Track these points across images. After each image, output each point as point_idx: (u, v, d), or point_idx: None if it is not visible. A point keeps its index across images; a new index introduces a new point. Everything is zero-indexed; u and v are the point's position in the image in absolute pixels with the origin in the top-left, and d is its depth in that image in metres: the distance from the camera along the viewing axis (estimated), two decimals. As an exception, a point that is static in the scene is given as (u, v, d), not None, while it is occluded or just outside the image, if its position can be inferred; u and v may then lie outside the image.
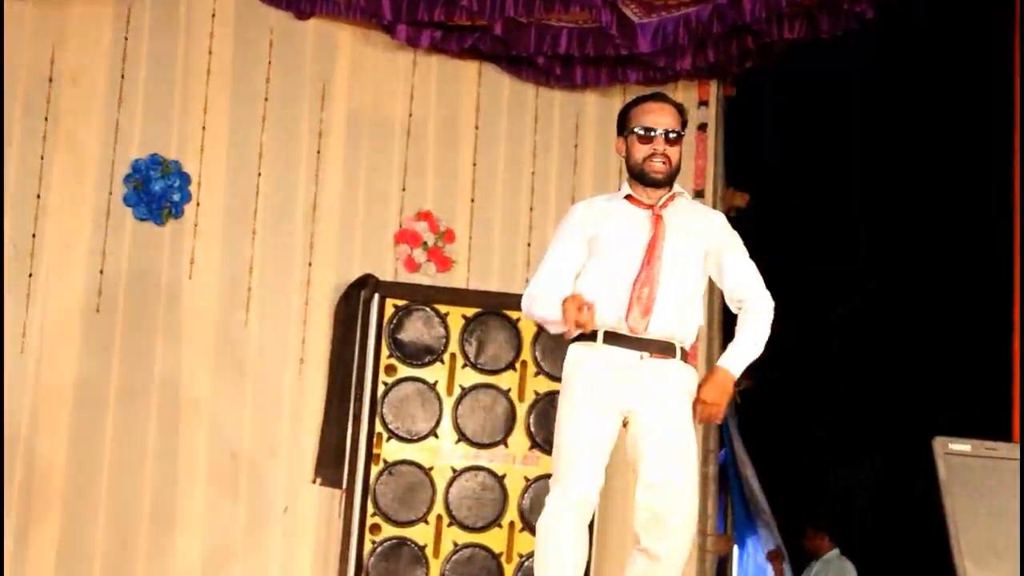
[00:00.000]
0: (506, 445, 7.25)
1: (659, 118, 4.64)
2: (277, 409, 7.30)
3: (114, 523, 6.93)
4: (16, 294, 6.92)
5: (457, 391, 7.26)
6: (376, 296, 7.21)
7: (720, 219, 4.84)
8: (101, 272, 7.08)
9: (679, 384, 4.61)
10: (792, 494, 8.87)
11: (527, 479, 7.24)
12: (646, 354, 4.55)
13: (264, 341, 7.33)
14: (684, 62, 7.92)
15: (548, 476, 7.05)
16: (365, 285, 7.30)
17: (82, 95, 7.18)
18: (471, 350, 7.28)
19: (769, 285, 4.90)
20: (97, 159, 7.17)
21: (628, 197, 4.68)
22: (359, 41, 7.73)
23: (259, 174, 7.44)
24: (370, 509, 7.06)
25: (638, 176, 4.66)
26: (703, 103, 8.35)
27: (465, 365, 7.27)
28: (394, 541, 7.07)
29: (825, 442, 8.90)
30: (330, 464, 7.22)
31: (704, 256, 4.72)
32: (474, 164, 7.87)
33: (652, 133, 4.60)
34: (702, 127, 8.31)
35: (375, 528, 7.07)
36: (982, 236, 8.01)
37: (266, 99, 7.51)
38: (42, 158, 7.07)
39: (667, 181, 4.67)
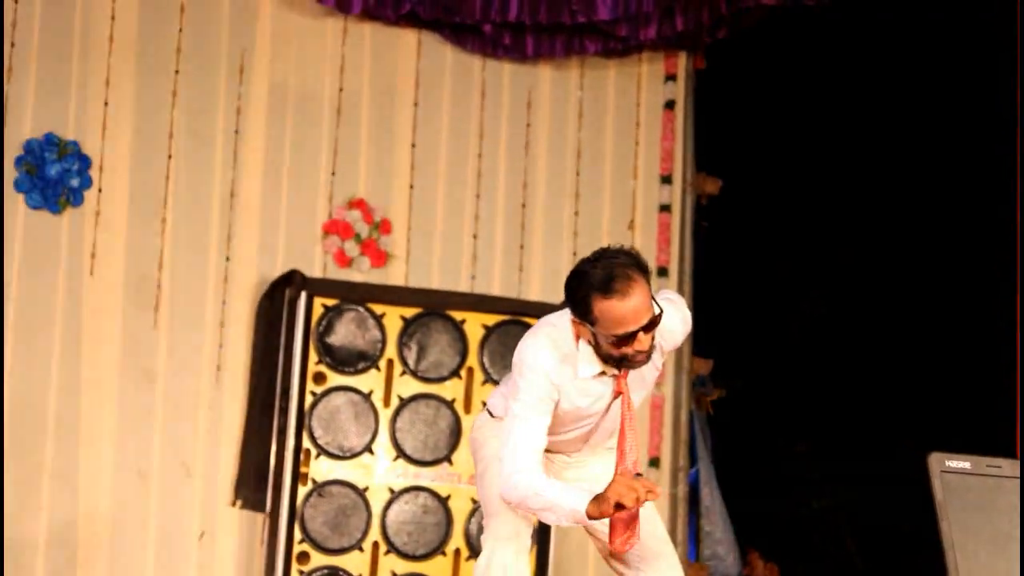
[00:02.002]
0: (450, 463, 7.30)
1: (636, 315, 4.31)
2: (191, 422, 7.32)
3: (6, 551, 6.90)
4: None
5: (395, 402, 7.31)
6: (303, 295, 7.24)
7: (681, 324, 4.64)
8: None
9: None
10: (766, 517, 8.96)
11: (474, 501, 7.28)
12: (577, 452, 4.82)
13: (176, 345, 7.34)
14: (649, 31, 7.98)
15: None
16: (290, 282, 7.33)
17: (-35, 66, 7.17)
18: (411, 356, 7.33)
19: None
20: (-17, 139, 7.16)
21: (601, 375, 4.54)
22: (282, 6, 7.76)
23: (169, 156, 7.46)
24: (297, 535, 7.09)
25: (614, 363, 4.47)
26: (670, 77, 8.43)
27: (404, 372, 7.32)
28: (325, 571, 7.11)
29: (807, 457, 9.00)
30: (252, 484, 7.26)
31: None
32: (413, 145, 7.91)
33: (633, 335, 4.34)
34: (669, 105, 8.40)
35: (303, 557, 7.10)
36: (979, 225, 8.13)
37: (177, 72, 7.52)
38: (-79, 137, 7.07)
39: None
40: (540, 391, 4.49)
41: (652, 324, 4.34)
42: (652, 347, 4.41)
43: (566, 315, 4.50)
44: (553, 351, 4.51)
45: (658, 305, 4.36)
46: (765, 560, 8.74)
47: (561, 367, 4.50)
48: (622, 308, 4.27)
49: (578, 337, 4.48)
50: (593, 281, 4.32)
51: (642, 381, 4.64)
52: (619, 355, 4.39)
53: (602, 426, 4.64)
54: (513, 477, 4.45)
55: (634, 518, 4.44)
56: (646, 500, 4.26)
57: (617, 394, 4.55)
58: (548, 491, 4.41)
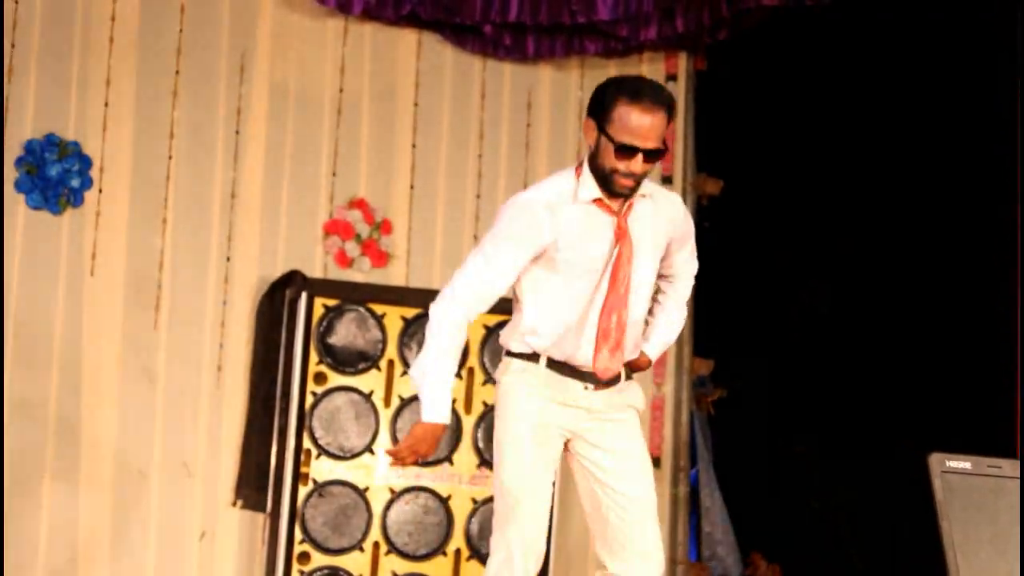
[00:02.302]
0: (451, 463, 7.31)
1: (647, 133, 4.38)
2: (192, 422, 7.34)
3: (7, 551, 6.91)
4: None
5: (396, 402, 7.32)
6: (303, 295, 7.25)
7: (681, 212, 4.74)
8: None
9: (627, 401, 4.66)
10: (765, 517, 8.96)
11: (475, 501, 7.31)
12: (591, 386, 4.58)
13: (176, 346, 7.36)
14: (649, 32, 8.00)
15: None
16: (291, 283, 7.34)
17: (-34, 66, 7.18)
18: (411, 356, 7.34)
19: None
20: (-17, 139, 7.17)
21: (596, 201, 4.52)
22: (283, 6, 7.77)
23: (170, 157, 7.46)
24: (298, 535, 7.10)
25: (601, 179, 4.49)
26: (671, 78, 8.44)
27: (405, 373, 7.32)
28: (325, 571, 7.12)
29: (807, 458, 8.99)
30: (253, 484, 7.27)
31: (659, 258, 4.69)
32: (413, 146, 7.92)
33: (634, 151, 4.40)
34: (670, 105, 8.39)
35: (304, 557, 7.11)
36: (981, 230, 8.13)
37: (177, 72, 7.53)
38: (-78, 138, 7.08)
39: (628, 196, 4.54)
40: (520, 226, 4.49)
41: (656, 154, 4.42)
42: (641, 178, 4.47)
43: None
44: (548, 188, 4.57)
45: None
46: (768, 561, 8.74)
47: (557, 198, 4.52)
48: (639, 119, 4.37)
49: (580, 167, 4.55)
50: (626, 85, 4.46)
51: (652, 245, 4.60)
52: (611, 168, 4.43)
53: (616, 292, 4.51)
54: (440, 307, 4.52)
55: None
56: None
57: (619, 234, 4.52)
58: (434, 368, 4.51)
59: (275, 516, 7.13)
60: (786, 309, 8.93)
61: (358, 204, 7.73)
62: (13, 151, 7.17)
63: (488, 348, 7.38)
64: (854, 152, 8.66)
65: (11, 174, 7.14)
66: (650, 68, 8.39)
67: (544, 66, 8.17)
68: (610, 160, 4.43)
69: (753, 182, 8.69)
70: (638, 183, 4.49)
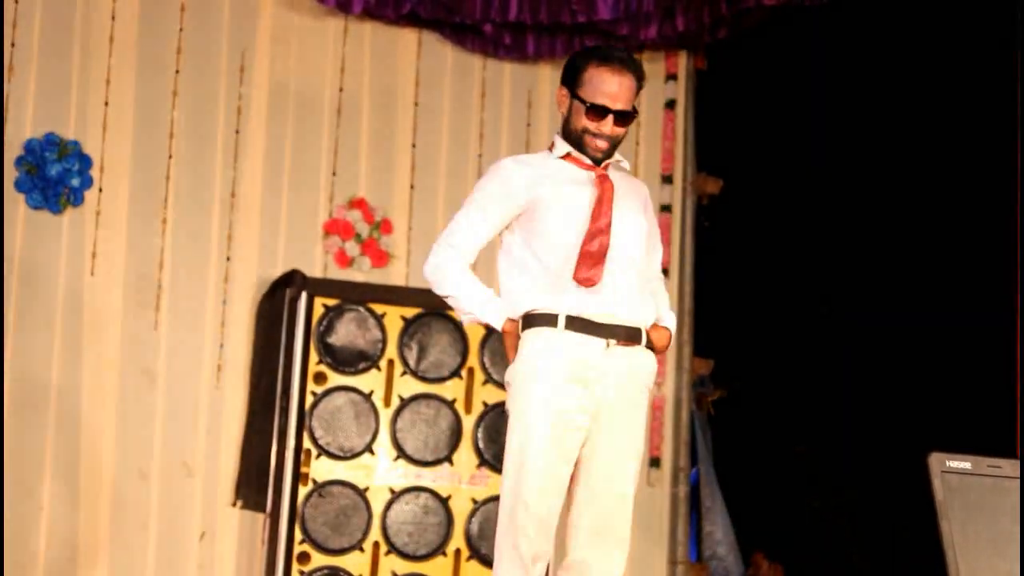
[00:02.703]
0: (451, 463, 7.32)
1: (617, 94, 4.54)
2: (192, 422, 7.35)
3: (6, 551, 6.92)
4: None
5: (396, 402, 7.32)
6: (303, 295, 7.25)
7: (647, 192, 4.82)
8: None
9: (642, 378, 4.60)
10: (765, 517, 8.97)
11: (475, 501, 7.31)
12: (613, 341, 4.50)
13: (176, 345, 7.37)
14: (650, 31, 8.01)
15: (499, 498, 7.22)
16: (291, 282, 7.34)
17: (-34, 66, 7.19)
18: (411, 356, 7.34)
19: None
20: (-17, 139, 7.17)
21: (567, 156, 4.61)
22: (283, 6, 7.78)
23: (170, 156, 7.48)
24: (298, 535, 7.10)
25: (575, 143, 4.60)
26: (671, 77, 8.46)
27: (405, 373, 7.33)
28: (325, 571, 7.12)
29: (807, 458, 9.01)
30: (252, 484, 7.27)
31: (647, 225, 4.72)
32: (413, 145, 7.94)
33: (605, 112, 4.54)
34: (670, 104, 8.42)
35: (304, 557, 7.12)
36: (982, 232, 8.14)
37: (177, 71, 7.53)
38: (-79, 138, 7.08)
39: (602, 160, 4.61)
40: (500, 187, 4.59)
41: (625, 116, 4.54)
42: (614, 140, 4.55)
43: None
44: (524, 156, 4.77)
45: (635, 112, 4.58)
46: (770, 560, 8.74)
47: (536, 161, 4.65)
48: (610, 80, 4.55)
49: (550, 148, 4.66)
50: (597, 51, 4.67)
51: (635, 202, 4.64)
52: (582, 128, 4.54)
53: (596, 226, 4.52)
54: (433, 261, 4.63)
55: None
56: None
57: (599, 180, 4.55)
58: (467, 294, 4.57)
59: (275, 516, 7.13)
60: (786, 309, 8.94)
61: (358, 204, 7.73)
62: (13, 150, 7.17)
63: (488, 348, 7.39)
64: (854, 151, 8.67)
65: (11, 174, 7.15)
66: (650, 67, 8.35)
67: (544, 65, 8.18)
68: (581, 121, 4.56)
69: (753, 181, 8.71)
70: (611, 149, 4.58)
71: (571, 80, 4.64)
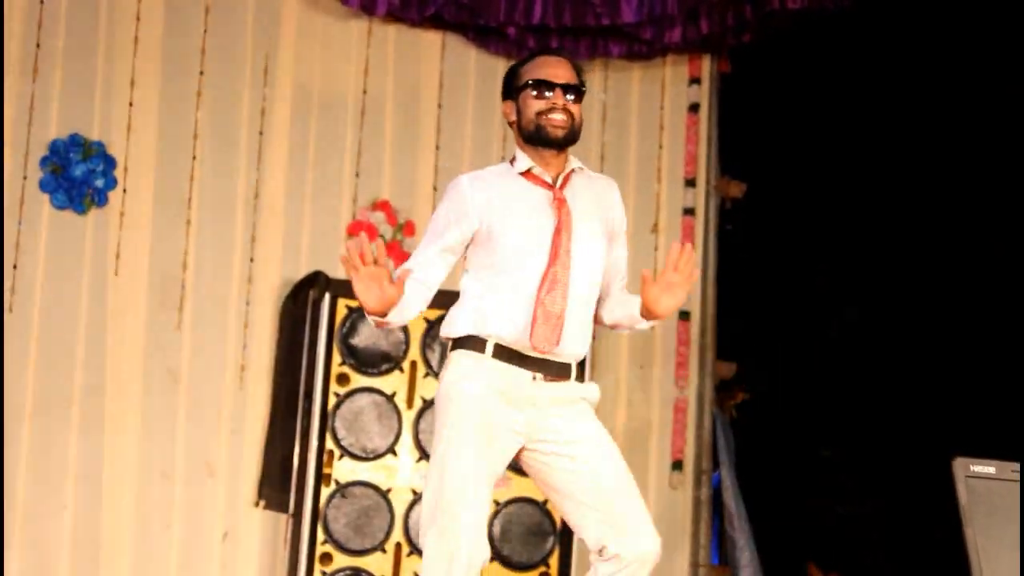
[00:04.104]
0: (473, 465, 7.31)
1: (556, 71, 4.52)
2: (215, 423, 7.36)
3: (30, 550, 6.97)
4: (-82, 292, 6.94)
5: (418, 403, 7.32)
6: (327, 296, 7.25)
7: (615, 191, 4.70)
8: (15, 267, 7.11)
9: (579, 394, 4.54)
10: (790, 523, 8.95)
11: (497, 503, 7.30)
12: (540, 376, 4.47)
13: (200, 346, 7.38)
14: (673, 34, 8.00)
15: (522, 500, 7.23)
16: (314, 283, 7.35)
17: (-8, 66, 7.20)
18: (434, 357, 7.34)
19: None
20: (9, 139, 7.18)
21: (526, 173, 4.53)
22: (306, 7, 7.79)
23: (194, 157, 7.49)
24: (320, 536, 7.11)
25: (534, 136, 4.49)
26: (695, 81, 8.44)
27: (427, 374, 7.33)
28: (347, 572, 7.12)
29: (831, 463, 8.98)
30: (275, 485, 7.28)
31: (606, 239, 4.63)
32: (437, 148, 7.93)
33: (550, 85, 4.48)
34: (693, 108, 8.41)
35: (326, 558, 7.12)
36: (1005, 234, 8.12)
37: (201, 73, 7.55)
38: (-53, 138, 7.10)
39: (566, 142, 4.52)
40: (455, 208, 4.52)
41: (573, 89, 4.51)
42: (573, 116, 4.50)
43: None
44: (482, 173, 4.62)
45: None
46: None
47: (492, 179, 4.55)
48: (544, 62, 4.56)
49: (513, 159, 4.58)
50: (526, 57, 4.67)
51: (595, 220, 4.55)
52: (536, 113, 4.47)
53: (556, 264, 4.44)
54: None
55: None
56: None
57: (556, 205, 4.48)
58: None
59: (297, 517, 7.14)
60: (810, 312, 8.92)
61: (381, 205, 7.74)
62: (38, 151, 7.20)
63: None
64: (878, 155, 8.65)
65: (36, 174, 7.17)
66: (674, 70, 8.39)
67: (568, 68, 8.14)
68: (531, 107, 4.50)
69: (777, 185, 8.69)
70: (573, 131, 4.51)
71: (509, 87, 4.61)
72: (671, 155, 8.34)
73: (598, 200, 4.61)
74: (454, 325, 4.54)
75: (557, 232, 4.47)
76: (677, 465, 8.09)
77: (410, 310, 4.50)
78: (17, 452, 6.99)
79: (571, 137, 4.53)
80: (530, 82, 4.49)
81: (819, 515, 8.87)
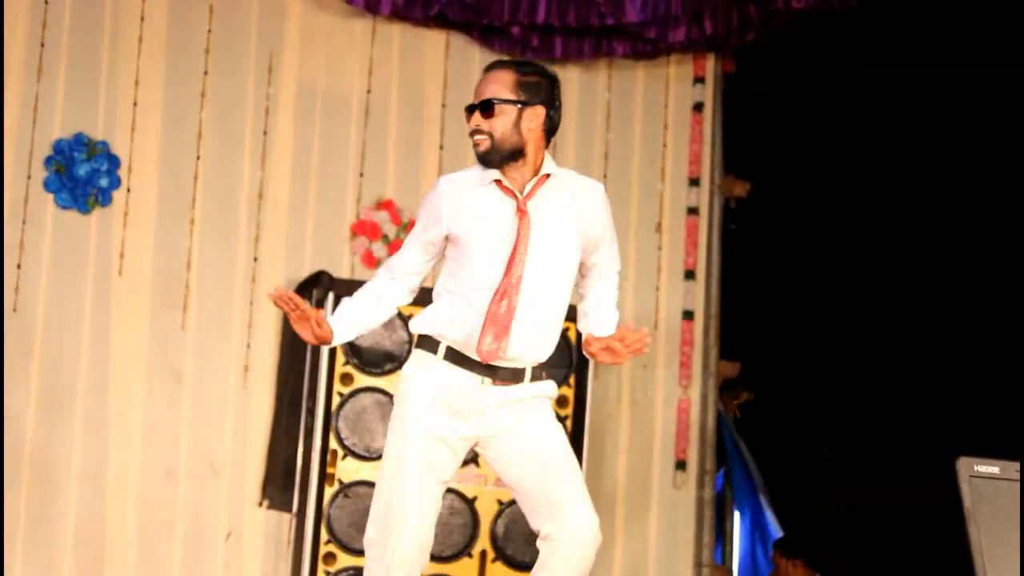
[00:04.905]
0: (477, 464, 7.30)
1: (479, 90, 4.58)
2: (218, 422, 7.36)
3: (33, 551, 6.97)
4: (-78, 291, 6.94)
5: (421, 403, 7.30)
6: (330, 296, 7.23)
7: (598, 196, 4.68)
8: (18, 267, 7.12)
9: (532, 395, 4.58)
10: (792, 520, 8.95)
11: (501, 502, 7.30)
12: (488, 380, 4.51)
13: (203, 345, 7.38)
14: (677, 33, 8.00)
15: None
16: (318, 283, 7.34)
17: (-4, 65, 7.20)
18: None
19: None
20: (13, 138, 7.19)
21: (497, 181, 4.54)
22: (311, 7, 7.79)
23: (198, 157, 7.49)
24: (324, 536, 7.10)
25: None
26: (699, 80, 8.44)
27: (430, 374, 7.31)
28: (351, 572, 7.11)
29: (833, 461, 8.99)
30: (279, 485, 7.29)
31: (577, 247, 4.62)
32: (441, 147, 7.93)
33: (469, 109, 4.57)
34: (697, 107, 8.40)
35: (329, 557, 7.12)
36: (1010, 233, 8.11)
37: (206, 72, 7.56)
38: (-49, 137, 7.10)
39: (492, 160, 4.52)
40: (424, 217, 4.61)
41: (484, 106, 4.51)
42: (492, 134, 4.48)
43: None
44: (460, 176, 4.65)
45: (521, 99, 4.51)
46: (787, 557, 8.63)
47: (466, 183, 4.58)
48: (480, 80, 4.61)
49: None
50: None
51: (560, 231, 4.54)
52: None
53: (510, 275, 4.47)
54: (377, 271, 4.71)
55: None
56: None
57: (518, 215, 4.49)
58: (360, 289, 4.65)
59: (301, 516, 7.14)
60: (813, 311, 8.91)
61: (385, 205, 7.74)
62: (42, 150, 7.21)
63: None
64: (883, 155, 8.65)
65: (40, 173, 7.18)
66: (678, 70, 8.39)
67: (572, 68, 8.15)
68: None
69: (780, 184, 8.69)
70: (497, 148, 4.49)
71: None
72: (675, 154, 8.34)
73: (573, 207, 4.60)
74: (418, 323, 4.63)
75: (516, 243, 4.49)
76: (680, 465, 8.08)
77: (371, 321, 4.65)
78: (20, 451, 6.99)
79: (492, 154, 4.53)
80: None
81: (822, 514, 8.87)
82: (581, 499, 4.49)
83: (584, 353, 4.69)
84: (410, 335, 7.27)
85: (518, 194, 4.53)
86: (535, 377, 4.60)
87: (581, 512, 4.46)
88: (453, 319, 4.51)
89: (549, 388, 4.66)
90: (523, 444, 4.55)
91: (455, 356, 4.52)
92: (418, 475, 4.47)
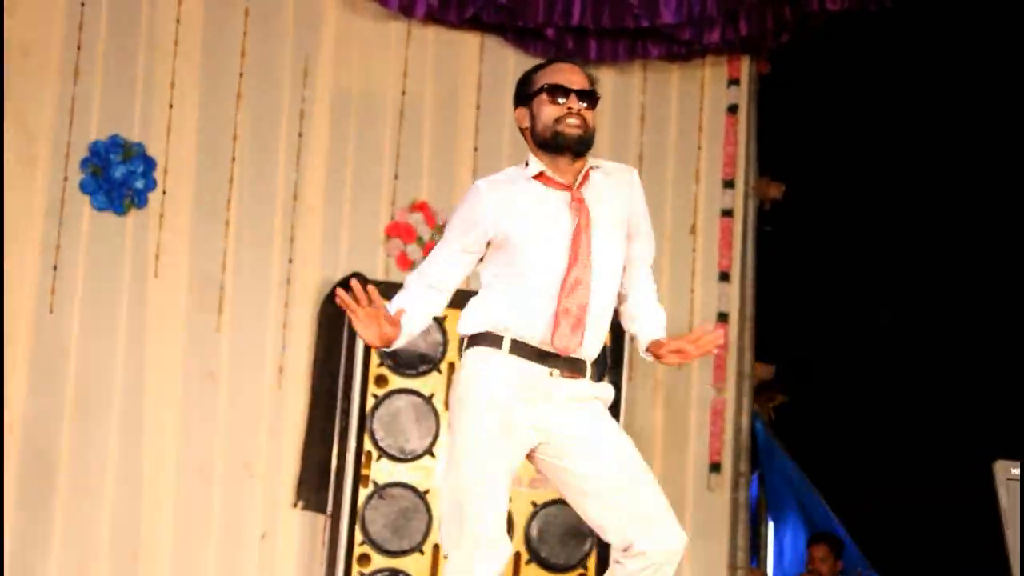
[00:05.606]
0: (511, 466, 7.31)
1: (571, 77, 4.47)
2: (254, 424, 7.38)
3: (69, 551, 7.00)
4: (-41, 293, 6.98)
5: (456, 405, 7.32)
6: (365, 297, 7.25)
7: (635, 180, 4.61)
8: (55, 268, 7.15)
9: (594, 393, 4.48)
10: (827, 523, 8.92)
11: (535, 504, 7.31)
12: (556, 371, 4.41)
13: (239, 347, 7.40)
14: (712, 35, 8.00)
15: (560, 501, 7.22)
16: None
17: (33, 68, 7.23)
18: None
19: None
20: (50, 141, 7.22)
21: (539, 176, 4.46)
22: (346, 9, 7.81)
23: (233, 159, 7.52)
24: (358, 537, 7.13)
25: (549, 143, 4.43)
26: (734, 82, 8.43)
27: (465, 376, 7.32)
28: (385, 573, 7.13)
29: (866, 464, 8.95)
30: (313, 486, 7.30)
31: (625, 234, 4.55)
32: (475, 149, 7.95)
33: (565, 91, 4.43)
34: (732, 109, 8.40)
35: (364, 559, 7.14)
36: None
37: (241, 74, 7.58)
38: (-12, 139, 7.13)
39: (582, 148, 4.45)
40: (461, 222, 4.47)
41: (588, 95, 4.44)
42: (587, 122, 4.41)
43: None
44: (499, 173, 4.55)
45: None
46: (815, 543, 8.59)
47: (505, 177, 4.49)
48: (558, 69, 4.48)
49: (526, 164, 4.51)
50: (538, 65, 4.59)
51: (613, 219, 4.49)
52: (553, 119, 4.40)
53: (576, 266, 4.39)
54: (407, 279, 4.49)
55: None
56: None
57: (575, 208, 4.43)
58: (397, 295, 4.43)
59: (335, 518, 7.16)
60: (848, 314, 8.89)
61: (420, 207, 7.75)
62: (79, 152, 7.24)
63: None
64: (918, 156, 8.62)
65: (76, 175, 7.21)
66: (713, 71, 8.38)
67: (606, 69, 8.14)
68: (547, 112, 4.42)
69: (816, 186, 8.67)
70: (586, 131, 4.43)
71: (522, 94, 4.55)
72: (710, 156, 8.34)
73: (618, 195, 4.55)
74: (470, 322, 4.50)
75: (577, 234, 4.42)
76: (715, 467, 8.07)
77: (417, 326, 4.47)
78: (58, 451, 7.03)
79: (586, 143, 4.47)
80: (545, 87, 4.43)
81: (857, 517, 8.85)
82: (671, 515, 4.41)
83: (643, 355, 4.59)
84: (444, 337, 7.29)
85: (569, 186, 4.48)
86: (594, 375, 4.53)
87: (674, 530, 4.39)
88: (516, 313, 4.40)
89: (608, 391, 4.57)
90: (601, 455, 4.42)
91: (522, 349, 4.40)
92: (490, 475, 4.35)
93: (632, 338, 4.65)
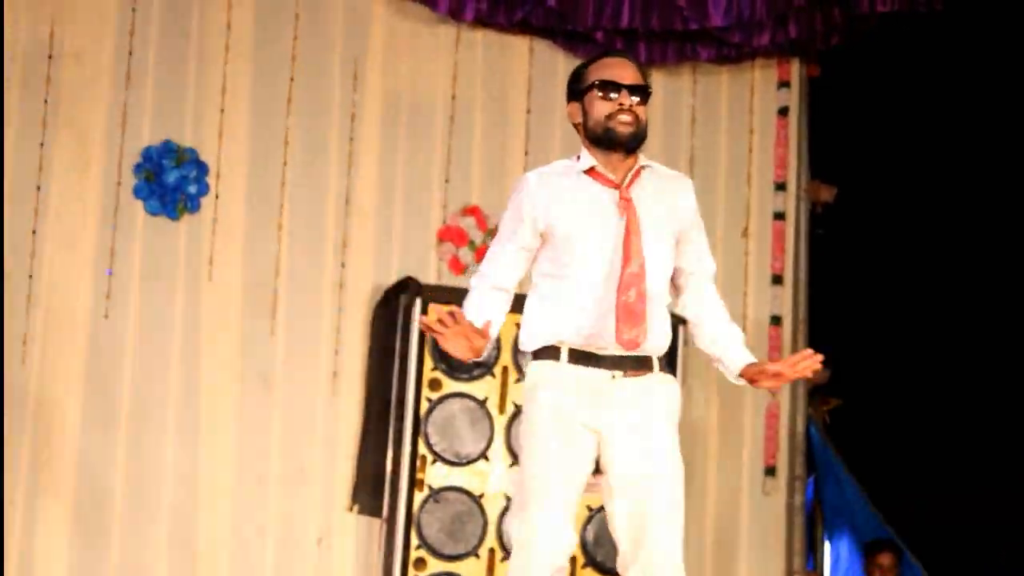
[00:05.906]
0: (566, 469, 7.28)
1: (623, 72, 4.46)
2: (308, 428, 7.37)
3: (127, 555, 7.00)
4: (15, 298, 6.98)
5: (510, 408, 7.31)
6: (418, 301, 7.26)
7: (688, 188, 4.61)
8: (110, 273, 7.15)
9: (662, 402, 4.46)
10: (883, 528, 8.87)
11: (590, 508, 7.28)
12: (619, 373, 4.40)
13: (293, 352, 7.40)
14: (762, 38, 7.98)
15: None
16: (405, 289, 7.35)
17: (86, 74, 7.26)
18: (524, 362, 7.28)
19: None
20: (103, 146, 7.24)
21: (590, 171, 4.47)
22: (395, 13, 7.81)
23: (285, 163, 7.52)
24: (414, 541, 7.11)
25: (601, 139, 4.43)
26: (784, 84, 8.40)
27: (519, 379, 7.30)
28: (441, 577, 7.13)
29: (921, 469, 8.91)
30: (368, 490, 7.28)
31: (674, 235, 4.55)
32: (526, 153, 7.92)
33: (617, 87, 4.42)
34: (783, 111, 8.37)
35: (420, 563, 7.12)
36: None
37: (292, 79, 7.58)
38: (41, 145, 7.14)
39: (635, 144, 4.45)
40: (520, 208, 4.46)
41: (640, 90, 4.44)
42: (639, 118, 4.41)
43: None
44: (548, 170, 4.55)
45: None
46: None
47: (556, 179, 4.48)
48: (609, 64, 4.48)
49: (578, 157, 4.51)
50: (589, 60, 4.59)
51: (662, 219, 4.48)
52: (605, 115, 4.40)
53: (631, 264, 4.38)
54: (471, 282, 4.53)
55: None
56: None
57: (623, 206, 4.42)
58: (467, 302, 4.44)
59: (391, 522, 7.14)
60: (903, 317, 8.84)
61: (471, 211, 7.74)
62: (132, 158, 7.25)
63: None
64: (971, 158, 8.58)
65: (130, 180, 7.22)
66: (763, 74, 8.35)
67: (656, 72, 8.11)
68: (599, 108, 4.42)
69: (868, 189, 8.64)
70: (640, 133, 4.43)
71: (574, 89, 4.54)
72: (761, 159, 8.30)
73: (667, 199, 4.54)
74: (528, 338, 4.52)
75: (627, 233, 4.41)
76: (770, 471, 8.03)
77: (496, 328, 4.46)
78: (114, 456, 7.04)
79: (638, 139, 4.46)
80: (596, 83, 4.43)
81: (912, 524, 8.79)
82: (674, 558, 4.40)
83: (733, 380, 4.54)
84: (498, 340, 7.26)
85: (618, 184, 4.47)
86: (662, 368, 4.49)
87: (668, 572, 4.38)
88: (570, 318, 4.40)
89: (675, 390, 4.53)
90: (644, 468, 4.39)
91: (581, 357, 4.41)
92: (550, 477, 4.38)
93: (716, 361, 4.57)
